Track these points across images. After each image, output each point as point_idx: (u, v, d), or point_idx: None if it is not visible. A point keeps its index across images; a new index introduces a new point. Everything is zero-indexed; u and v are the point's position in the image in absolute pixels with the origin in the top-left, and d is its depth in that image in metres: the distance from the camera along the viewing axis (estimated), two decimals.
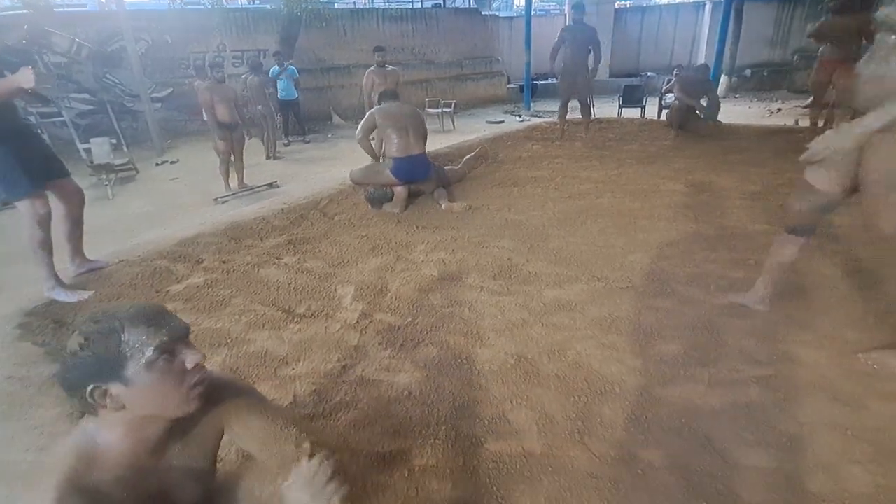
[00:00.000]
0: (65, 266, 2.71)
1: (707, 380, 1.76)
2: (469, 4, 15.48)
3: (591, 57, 5.51)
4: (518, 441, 1.53)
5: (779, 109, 8.12)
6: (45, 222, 2.37)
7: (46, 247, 2.42)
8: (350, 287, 2.55)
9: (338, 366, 1.90)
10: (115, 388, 0.78)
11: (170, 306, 2.37)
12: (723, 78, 8.60)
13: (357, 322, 2.22)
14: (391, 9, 11.40)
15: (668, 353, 1.91)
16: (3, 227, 4.70)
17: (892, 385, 1.69)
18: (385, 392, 1.75)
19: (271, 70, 7.93)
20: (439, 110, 9.36)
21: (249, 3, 11.76)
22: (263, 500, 0.96)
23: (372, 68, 5.59)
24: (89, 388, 0.77)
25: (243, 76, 7.61)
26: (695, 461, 1.44)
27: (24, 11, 9.23)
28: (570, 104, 5.74)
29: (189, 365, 0.83)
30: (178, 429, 0.89)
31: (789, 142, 5.16)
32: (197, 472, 0.94)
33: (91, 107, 8.28)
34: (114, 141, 6.87)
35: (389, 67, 5.71)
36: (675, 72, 8.03)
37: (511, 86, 12.65)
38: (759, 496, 1.33)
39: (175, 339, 0.83)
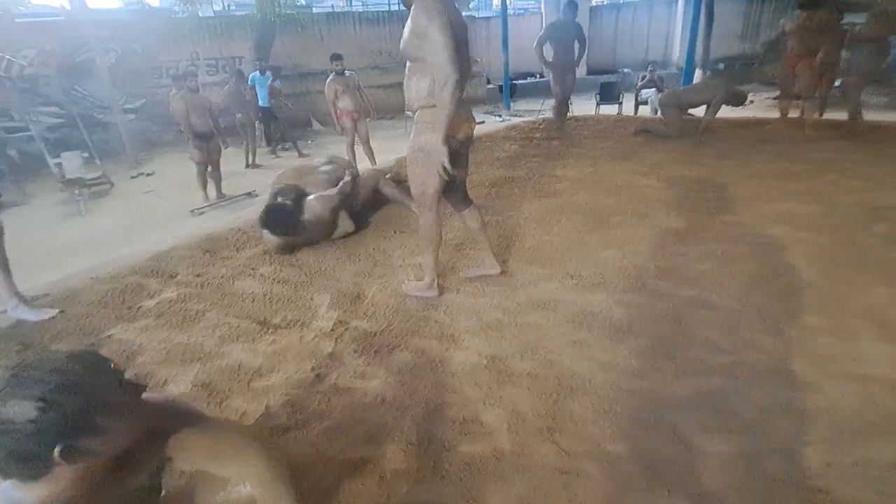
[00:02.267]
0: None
1: (673, 371, 1.81)
2: None
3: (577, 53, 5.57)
4: (489, 441, 1.55)
5: (750, 101, 8.29)
6: None
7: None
8: (326, 295, 2.55)
9: (311, 375, 1.91)
10: (84, 442, 0.75)
11: (141, 323, 2.37)
12: (697, 72, 8.76)
13: (332, 330, 2.22)
14: (367, 12, 11.39)
15: (636, 347, 1.95)
16: None
17: (845, 366, 1.76)
18: (359, 399, 1.76)
19: (251, 77, 7.88)
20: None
21: (224, 10, 11.60)
22: None
23: (332, 76, 5.61)
24: (58, 449, 0.72)
25: (227, 85, 7.56)
26: (659, 450, 1.48)
27: None
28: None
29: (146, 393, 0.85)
30: (121, 460, 0.87)
31: (758, 133, 5.30)
32: (143, 497, 0.94)
33: (60, 120, 8.11)
34: (85, 154, 6.75)
35: (348, 73, 5.78)
36: (649, 68, 8.19)
37: (490, 86, 12.71)
38: (718, 481, 1.37)
39: (121, 371, 0.83)
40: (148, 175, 7.44)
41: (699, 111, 5.43)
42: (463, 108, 2.04)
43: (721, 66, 11.13)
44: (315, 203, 2.86)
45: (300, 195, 2.91)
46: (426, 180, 2.15)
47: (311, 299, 2.52)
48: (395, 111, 10.52)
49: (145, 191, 6.67)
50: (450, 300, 2.39)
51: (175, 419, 0.98)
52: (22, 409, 0.71)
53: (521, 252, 2.86)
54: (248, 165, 7.46)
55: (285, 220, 2.54)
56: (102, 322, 2.41)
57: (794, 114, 5.60)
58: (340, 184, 3.03)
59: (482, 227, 2.47)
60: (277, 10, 8.78)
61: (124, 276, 2.86)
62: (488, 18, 14.17)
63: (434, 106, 1.99)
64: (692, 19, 7.08)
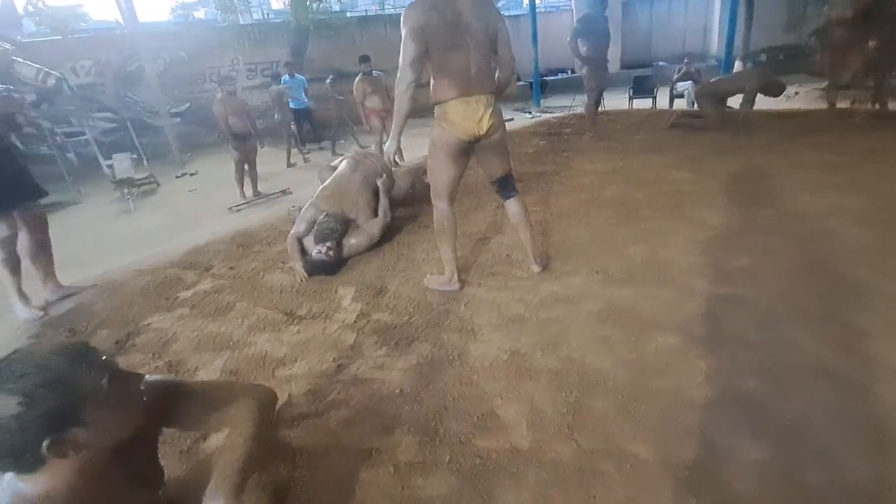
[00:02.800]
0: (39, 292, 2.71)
1: (703, 371, 1.72)
2: None
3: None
4: (506, 437, 1.53)
5: (796, 93, 7.83)
6: (7, 244, 2.43)
7: (8, 266, 2.48)
8: (350, 288, 2.59)
9: (333, 365, 1.94)
10: (74, 434, 0.76)
11: (177, 312, 2.48)
12: (737, 64, 8.35)
13: (355, 322, 2.25)
14: (397, 14, 11.49)
15: (663, 345, 1.87)
16: None
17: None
18: (377, 390, 1.78)
19: (281, 80, 8.13)
20: None
21: (263, 19, 12.05)
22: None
23: (360, 77, 5.70)
24: (45, 443, 0.73)
25: (270, 87, 7.83)
26: (685, 454, 1.41)
27: (55, 38, 9.71)
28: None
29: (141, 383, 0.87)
30: (122, 447, 0.88)
31: (801, 124, 4.99)
32: (145, 481, 0.96)
33: (113, 124, 8.66)
34: (134, 156, 7.16)
35: (376, 73, 5.88)
36: (685, 60, 7.86)
37: (520, 83, 12.57)
38: (750, 488, 1.29)
39: (117, 367, 0.84)
40: (191, 175, 7.81)
41: (738, 104, 5.17)
42: (469, 106, 2.04)
43: (763, 57, 10.55)
44: (357, 244, 2.93)
45: (342, 231, 2.92)
46: (435, 172, 2.22)
47: (336, 292, 2.57)
48: (423, 110, 10.55)
49: (188, 189, 7.00)
50: (471, 293, 2.38)
51: (170, 397, 1.00)
52: (4, 405, 0.71)
53: (546, 246, 2.80)
54: (289, 164, 7.70)
55: (328, 271, 2.74)
56: (142, 311, 2.54)
57: (842, 104, 5.24)
58: (381, 219, 3.04)
59: (522, 221, 2.37)
60: (311, 16, 9.01)
61: (164, 269, 3.02)
62: (518, 16, 14.03)
63: (437, 104, 2.06)
64: (730, 10, 6.74)
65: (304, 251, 2.89)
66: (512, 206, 2.37)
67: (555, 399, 1.66)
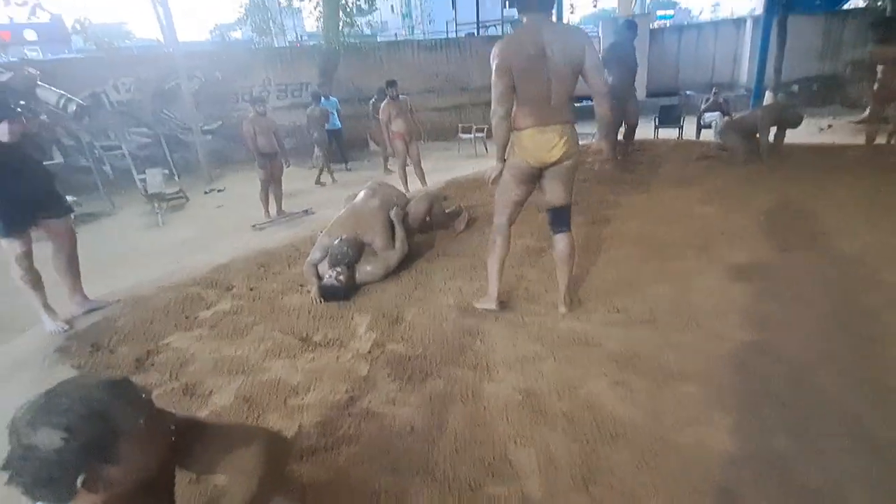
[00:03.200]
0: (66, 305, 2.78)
1: (730, 426, 1.64)
2: (502, 32, 15.76)
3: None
4: (518, 484, 1.48)
5: (829, 126, 7.65)
6: (23, 260, 2.50)
7: (28, 281, 2.55)
8: (366, 315, 2.58)
9: (345, 397, 1.92)
10: (106, 470, 0.78)
11: (196, 332, 2.51)
12: (767, 94, 8.20)
13: (369, 352, 2.24)
14: (426, 40, 11.81)
15: (687, 395, 1.80)
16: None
17: None
18: (388, 425, 1.75)
19: (320, 100, 8.39)
20: (472, 135, 9.49)
21: (297, 40, 12.53)
22: None
23: (386, 100, 5.82)
24: (81, 478, 0.75)
25: (310, 108, 8.10)
26: None
27: (100, 55, 10.27)
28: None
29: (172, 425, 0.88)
30: (146, 484, 0.89)
31: (837, 160, 4.84)
32: None
33: (148, 139, 9.02)
34: (166, 171, 7.43)
35: (402, 97, 5.99)
36: (714, 90, 7.79)
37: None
38: None
39: (153, 405, 0.86)
40: (219, 191, 8.04)
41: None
42: (544, 135, 2.13)
43: (795, 87, 10.37)
44: (372, 272, 2.94)
45: (355, 257, 2.94)
46: (502, 192, 2.34)
47: (352, 318, 2.57)
48: (448, 134, 10.71)
49: (216, 205, 7.19)
50: (487, 328, 2.34)
51: (188, 436, 1.01)
52: (48, 438, 0.73)
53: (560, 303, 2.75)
54: (317, 182, 7.87)
55: (340, 296, 2.77)
56: (163, 329, 2.59)
57: (880, 140, 5.09)
58: (398, 249, 3.05)
59: (565, 259, 2.36)
60: (342, 39, 9.30)
61: (187, 286, 3.08)
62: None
63: (514, 130, 2.18)
64: (762, 40, 6.66)
65: (320, 276, 2.92)
66: (560, 241, 2.36)
67: (570, 447, 1.60)
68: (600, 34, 13.43)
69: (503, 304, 2.51)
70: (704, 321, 2.25)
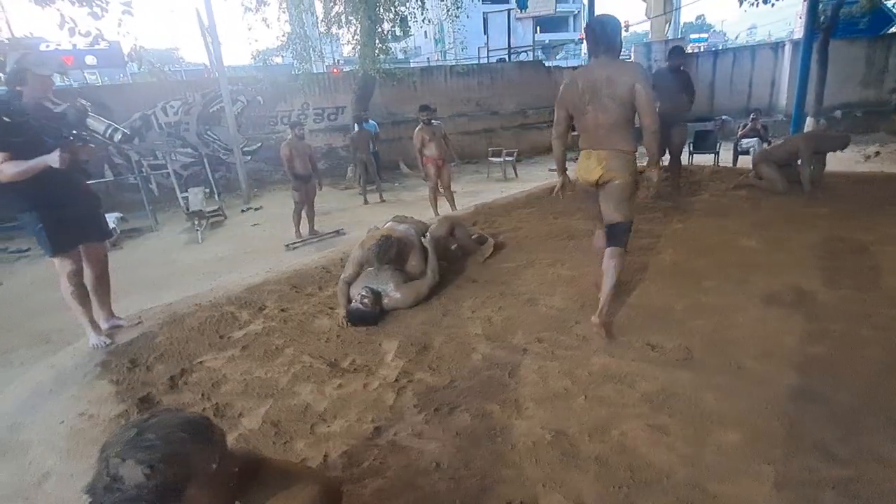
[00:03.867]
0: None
1: (773, 478, 1.54)
2: (533, 57, 15.97)
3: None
4: None
5: (877, 153, 7.31)
6: (73, 277, 2.62)
7: (78, 297, 2.66)
8: (394, 342, 2.59)
9: (371, 427, 1.91)
10: None
11: (229, 352, 2.57)
12: (808, 120, 7.94)
13: (396, 380, 2.23)
14: (458, 65, 12.09)
15: (727, 442, 1.70)
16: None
17: None
18: (414, 460, 1.72)
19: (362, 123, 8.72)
20: (502, 159, 9.55)
21: (332, 69, 13.04)
22: None
23: (420, 126, 5.93)
24: None
25: (354, 131, 8.47)
26: None
27: (151, 79, 10.96)
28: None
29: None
30: None
31: (887, 191, 4.59)
32: None
33: (192, 160, 9.50)
34: (207, 190, 7.78)
35: (435, 123, 6.10)
36: (752, 116, 7.61)
37: (575, 133, 12.63)
38: None
39: (225, 448, 0.90)
40: (256, 209, 8.36)
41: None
42: (590, 158, 2.47)
43: (838, 114, 10.01)
44: (402, 299, 2.96)
45: (399, 256, 3.05)
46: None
47: (380, 345, 2.57)
48: (479, 156, 10.82)
49: (252, 224, 7.46)
50: (516, 360, 2.30)
51: (247, 473, 1.03)
52: (132, 472, 0.79)
53: (595, 313, 2.69)
54: (365, 202, 8.12)
55: (367, 321, 2.81)
56: (198, 348, 2.67)
57: None
58: (429, 278, 3.09)
59: (609, 272, 2.46)
60: (377, 65, 9.64)
61: (221, 306, 3.17)
62: (575, 68, 14.29)
63: None
64: (801, 64, 6.48)
65: (350, 299, 2.95)
66: (606, 255, 2.53)
67: (602, 494, 1.53)
68: (632, 57, 13.41)
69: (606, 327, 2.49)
70: (745, 361, 2.14)
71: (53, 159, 2.30)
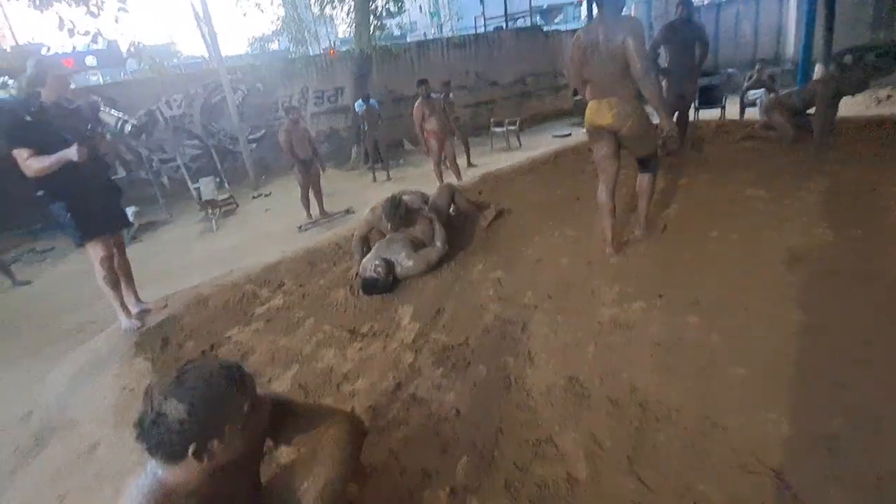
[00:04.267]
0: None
1: (781, 408, 1.61)
2: (531, 23, 15.56)
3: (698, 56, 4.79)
4: (563, 466, 1.52)
5: (888, 97, 7.08)
6: (106, 262, 2.75)
7: (110, 282, 2.79)
8: (409, 307, 2.68)
9: (393, 383, 2.02)
10: (213, 445, 0.92)
11: (253, 326, 2.69)
12: (817, 67, 7.67)
13: (413, 341, 2.33)
14: (455, 37, 11.85)
15: (736, 378, 1.77)
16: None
17: None
18: (435, 410, 1.83)
19: (357, 104, 8.69)
20: (504, 129, 9.46)
21: (331, 46, 12.89)
22: (300, 496, 1.09)
23: (419, 100, 5.90)
24: (192, 447, 0.89)
25: (361, 110, 8.50)
26: (760, 498, 1.33)
27: (152, 75, 10.99)
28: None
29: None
30: (240, 460, 1.03)
31: None
32: (249, 486, 1.09)
33: (199, 151, 9.59)
34: (217, 180, 7.89)
35: (434, 96, 6.07)
36: (757, 67, 7.40)
37: (577, 98, 12.40)
38: None
39: (256, 393, 0.99)
40: (266, 196, 8.46)
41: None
42: (600, 105, 2.72)
43: (848, 58, 9.62)
44: (413, 267, 3.04)
45: (410, 213, 3.24)
46: (592, 149, 2.98)
47: (395, 311, 2.67)
48: (480, 129, 10.72)
49: (264, 210, 7.58)
50: (528, 317, 2.38)
51: (278, 414, 1.13)
52: (175, 409, 0.89)
53: (604, 269, 2.75)
54: (374, 179, 8.20)
55: (380, 289, 2.92)
56: (224, 324, 2.80)
57: None
58: (439, 247, 3.16)
59: (644, 192, 3.02)
60: (374, 43, 9.51)
61: (242, 285, 3.29)
62: (574, 31, 13.91)
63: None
64: (807, 10, 6.23)
65: (364, 268, 3.03)
66: (641, 179, 3.02)
67: (614, 430, 1.62)
68: (632, 12, 13.00)
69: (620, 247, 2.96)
70: (752, 304, 2.19)
71: (73, 153, 2.39)
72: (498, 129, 9.57)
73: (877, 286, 2.17)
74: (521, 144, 9.40)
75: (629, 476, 1.45)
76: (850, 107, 4.65)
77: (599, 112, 2.73)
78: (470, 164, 7.85)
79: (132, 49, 8.78)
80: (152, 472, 0.95)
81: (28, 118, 2.40)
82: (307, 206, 6.27)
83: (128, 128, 2.84)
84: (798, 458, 1.42)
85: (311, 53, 11.28)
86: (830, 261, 2.46)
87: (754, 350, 1.89)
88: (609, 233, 2.92)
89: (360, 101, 8.62)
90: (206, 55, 11.32)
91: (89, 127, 2.68)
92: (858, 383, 1.65)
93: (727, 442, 1.51)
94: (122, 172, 8.63)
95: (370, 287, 2.88)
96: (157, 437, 0.89)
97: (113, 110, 2.83)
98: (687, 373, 1.83)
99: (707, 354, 1.91)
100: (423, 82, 5.95)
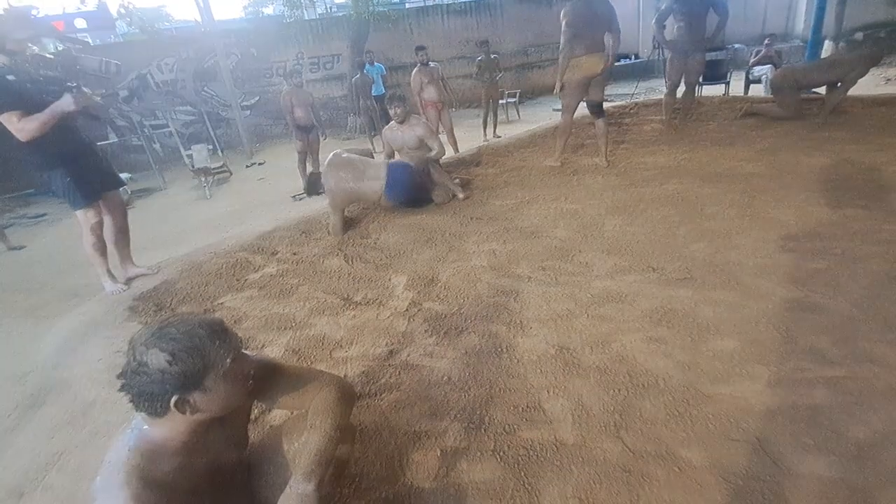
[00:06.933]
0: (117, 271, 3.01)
1: (766, 379, 1.64)
2: None
3: (713, 25, 4.60)
4: (551, 430, 1.55)
5: None
6: (96, 229, 2.73)
7: (98, 249, 2.78)
8: (403, 276, 2.68)
9: (385, 350, 2.04)
10: (194, 397, 0.91)
11: (247, 293, 2.69)
12: (827, 44, 7.50)
13: (406, 310, 2.34)
14: (455, 4, 11.44)
15: (723, 349, 1.79)
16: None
17: None
18: (426, 376, 1.85)
19: (365, 68, 8.45)
20: (504, 101, 9.28)
21: (327, 13, 12.46)
22: (290, 457, 1.10)
23: (417, 68, 5.74)
24: (174, 398, 0.88)
25: (353, 78, 8.20)
26: (741, 463, 1.36)
27: (143, 38, 10.63)
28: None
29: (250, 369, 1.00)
30: (227, 417, 1.04)
31: None
32: (236, 444, 1.10)
33: (192, 117, 9.38)
34: (210, 147, 7.75)
35: (433, 64, 5.92)
36: (766, 42, 7.23)
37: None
38: None
39: (240, 348, 0.98)
40: (260, 164, 8.33)
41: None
42: (592, 58, 3.79)
43: (860, 36, 9.42)
44: (437, 153, 3.78)
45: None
46: (567, 97, 4.03)
47: (389, 279, 2.67)
48: (480, 100, 10.50)
49: (258, 178, 7.48)
50: (521, 287, 2.39)
51: (266, 375, 1.13)
52: (156, 359, 0.88)
53: (599, 242, 2.75)
54: (373, 148, 8.01)
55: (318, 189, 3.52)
56: (217, 290, 2.79)
57: None
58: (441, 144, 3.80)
59: (602, 133, 4.12)
60: (371, 9, 9.19)
61: (236, 252, 3.27)
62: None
63: (574, 57, 3.82)
64: None
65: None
66: (598, 123, 4.10)
67: (602, 397, 1.65)
68: None
69: (563, 162, 4.26)
70: (744, 279, 2.20)
71: (67, 102, 2.33)
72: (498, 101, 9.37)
73: (868, 264, 2.18)
74: (519, 116, 9.25)
75: (615, 441, 1.48)
76: (858, 85, 4.56)
77: (594, 62, 3.78)
78: (496, 135, 7.52)
79: (122, 11, 8.45)
80: (138, 426, 0.96)
81: (9, 77, 2.31)
82: (304, 174, 6.18)
83: (112, 68, 2.76)
84: (779, 426, 1.45)
85: (307, 18, 10.89)
86: (824, 237, 2.47)
87: (742, 323, 1.92)
88: (562, 146, 4.21)
89: (366, 65, 8.23)
90: (199, 19, 10.94)
91: (75, 81, 2.59)
92: (843, 358, 1.67)
93: (711, 410, 1.54)
94: (113, 138, 8.46)
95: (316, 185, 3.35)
96: (138, 386, 0.89)
97: (91, 55, 2.76)
98: (675, 344, 1.85)
99: (696, 326, 1.93)
100: (421, 48, 5.78)
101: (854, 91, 4.58)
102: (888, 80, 6.65)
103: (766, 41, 7.22)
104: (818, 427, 1.44)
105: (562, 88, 3.94)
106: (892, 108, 4.70)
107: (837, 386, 1.57)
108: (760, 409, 1.52)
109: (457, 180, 4.05)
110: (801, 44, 9.33)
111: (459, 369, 1.86)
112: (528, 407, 1.65)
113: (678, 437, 1.47)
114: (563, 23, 3.71)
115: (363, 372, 1.92)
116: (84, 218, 2.69)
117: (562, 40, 3.75)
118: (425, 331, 2.15)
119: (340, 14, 11.21)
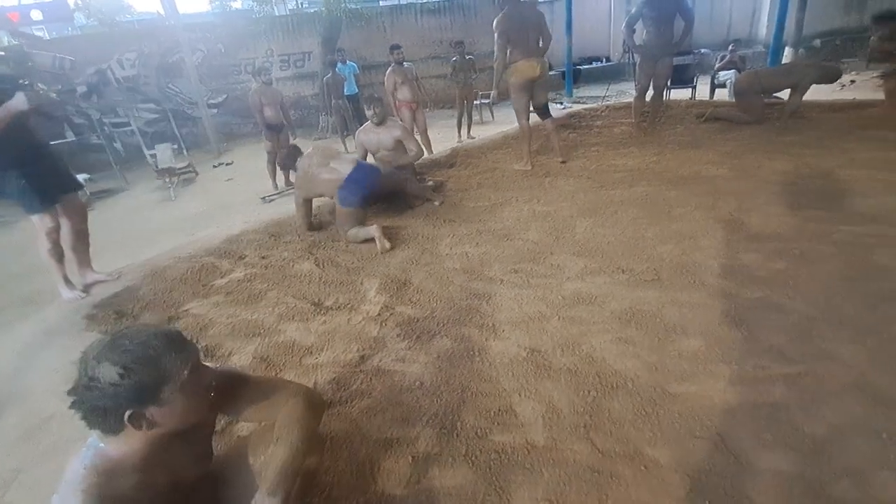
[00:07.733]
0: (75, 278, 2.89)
1: (728, 377, 1.69)
2: None
3: (679, 30, 4.64)
4: (522, 433, 1.55)
5: (852, 82, 7.33)
6: (52, 234, 2.63)
7: (55, 255, 2.68)
8: (375, 280, 2.65)
9: (357, 356, 2.01)
10: (150, 411, 0.86)
11: (213, 299, 2.60)
12: (787, 51, 7.85)
13: (378, 314, 2.31)
14: (429, 2, 11.41)
15: (688, 349, 1.84)
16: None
17: None
18: (398, 381, 1.83)
19: (336, 67, 8.29)
20: (478, 102, 9.30)
21: (297, 9, 12.20)
22: (256, 471, 1.07)
23: (391, 68, 5.69)
24: (127, 413, 0.84)
25: (325, 77, 8.01)
26: (704, 460, 1.40)
27: (103, 29, 10.17)
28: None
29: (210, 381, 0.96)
30: (188, 431, 0.99)
31: (858, 118, 4.68)
32: (200, 458, 1.06)
33: (156, 115, 9.03)
34: (175, 146, 7.47)
35: (407, 65, 5.88)
36: (730, 47, 7.49)
37: (552, 72, 12.26)
38: (771, 499, 1.27)
39: (198, 359, 0.94)
40: (228, 164, 8.09)
41: (784, 93, 4.88)
42: (529, 62, 4.00)
43: (817, 42, 9.91)
44: (415, 155, 3.86)
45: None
46: (516, 101, 4.24)
47: (361, 283, 2.63)
48: (454, 101, 10.51)
49: (225, 179, 7.26)
50: (493, 290, 2.40)
51: (230, 387, 1.09)
52: (108, 372, 0.83)
53: (570, 244, 2.78)
54: (346, 149, 7.86)
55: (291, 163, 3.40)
56: (181, 297, 2.69)
57: None
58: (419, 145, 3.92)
59: (552, 133, 4.45)
60: (343, 5, 9.06)
61: (201, 257, 3.16)
62: (552, 2, 13.65)
63: (513, 62, 4.05)
64: None
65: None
66: (547, 124, 4.41)
67: (572, 399, 1.67)
68: None
69: (534, 165, 4.34)
70: (709, 279, 2.27)
71: (21, 100, 2.20)
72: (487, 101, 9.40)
73: (825, 265, 2.28)
74: (493, 118, 9.30)
75: (584, 442, 1.50)
76: (814, 91, 4.78)
77: (532, 67, 3.98)
78: (469, 136, 7.51)
79: (80, 2, 8.06)
80: (94, 444, 0.91)
81: None
82: (273, 175, 6.03)
83: (66, 64, 2.65)
84: (741, 423, 1.50)
85: (277, 14, 10.65)
86: (784, 238, 2.57)
87: (707, 323, 1.97)
88: (527, 150, 4.31)
89: (337, 63, 8.08)
90: (162, 11, 10.53)
91: (26, 82, 2.46)
92: (801, 356, 1.74)
93: (677, 409, 1.58)
94: (70, 136, 8.06)
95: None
96: (90, 402, 0.84)
97: (44, 51, 2.63)
98: (643, 344, 1.89)
99: (663, 327, 1.98)
100: (396, 47, 5.72)
101: (813, 97, 4.80)
102: (843, 86, 6.99)
103: (730, 47, 7.49)
104: (777, 423, 1.49)
105: (499, 95, 4.43)
106: (844, 112, 4.96)
107: (795, 383, 1.63)
108: (723, 407, 1.57)
109: (430, 183, 4.04)
110: (764, 49, 9.73)
111: (431, 374, 1.84)
112: (499, 410, 1.65)
113: (645, 436, 1.50)
114: (496, 32, 3.87)
115: (334, 378, 1.89)
116: (40, 223, 2.57)
117: (495, 49, 3.91)
118: (397, 335, 2.12)
119: (312, 10, 10.98)
